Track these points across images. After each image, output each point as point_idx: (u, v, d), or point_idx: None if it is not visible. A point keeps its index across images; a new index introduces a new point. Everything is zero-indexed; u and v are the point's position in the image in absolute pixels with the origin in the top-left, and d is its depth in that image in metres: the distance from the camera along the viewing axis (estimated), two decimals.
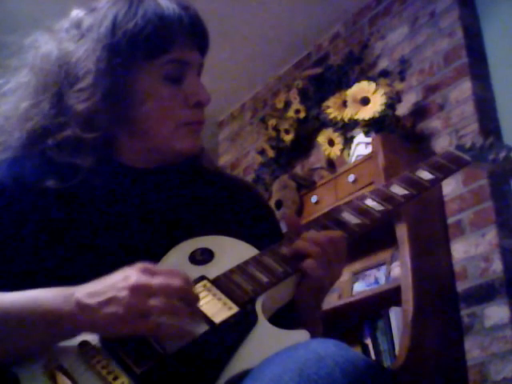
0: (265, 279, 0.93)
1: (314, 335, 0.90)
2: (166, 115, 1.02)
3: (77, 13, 1.06)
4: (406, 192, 1.09)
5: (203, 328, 0.85)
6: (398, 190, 1.09)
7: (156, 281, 0.81)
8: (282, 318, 0.96)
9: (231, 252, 0.98)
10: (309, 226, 1.03)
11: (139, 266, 0.84)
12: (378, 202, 1.07)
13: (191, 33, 1.03)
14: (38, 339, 0.82)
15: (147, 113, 1.01)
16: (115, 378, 0.78)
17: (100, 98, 0.98)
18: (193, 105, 1.03)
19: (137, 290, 0.80)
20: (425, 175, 1.13)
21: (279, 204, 2.76)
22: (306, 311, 1.04)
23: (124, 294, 0.80)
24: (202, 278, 0.93)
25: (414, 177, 1.12)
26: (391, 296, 2.29)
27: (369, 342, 2.44)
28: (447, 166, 1.16)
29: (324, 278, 0.99)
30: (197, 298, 0.84)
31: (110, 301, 0.80)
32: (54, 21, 1.07)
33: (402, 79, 2.63)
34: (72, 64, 1.00)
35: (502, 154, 1.25)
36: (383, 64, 2.88)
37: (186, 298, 0.82)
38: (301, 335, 0.86)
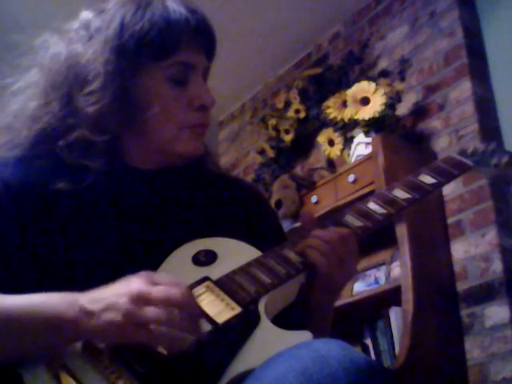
0: (267, 280, 0.93)
1: (323, 334, 0.90)
2: (170, 117, 1.02)
3: (86, 14, 1.06)
4: (408, 196, 1.10)
5: (206, 328, 0.85)
6: (401, 193, 1.10)
7: (156, 290, 0.80)
8: (285, 319, 0.96)
9: (234, 254, 0.99)
10: (312, 229, 1.04)
11: (143, 274, 0.83)
12: (381, 206, 1.07)
13: (197, 36, 1.03)
14: (41, 344, 0.81)
15: (151, 114, 1.01)
16: (118, 378, 0.79)
17: (109, 101, 0.98)
18: (197, 107, 1.04)
19: (136, 297, 0.79)
20: (427, 179, 1.13)
21: (279, 204, 2.76)
22: (318, 310, 1.05)
23: (123, 300, 0.79)
24: (205, 278, 0.93)
25: (417, 181, 1.13)
26: (391, 296, 2.29)
27: (369, 342, 2.44)
28: (449, 171, 1.17)
29: (337, 277, 1.00)
30: (197, 311, 0.83)
31: (109, 307, 0.79)
32: (60, 22, 1.07)
33: (402, 79, 2.63)
34: (81, 66, 1.00)
35: (504, 160, 1.25)
36: (383, 64, 2.88)
37: (186, 310, 0.81)
38: (303, 336, 0.86)
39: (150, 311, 0.78)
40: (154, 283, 0.82)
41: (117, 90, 0.98)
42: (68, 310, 0.81)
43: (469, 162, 1.21)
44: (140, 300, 0.79)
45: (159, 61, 1.00)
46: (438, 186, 1.14)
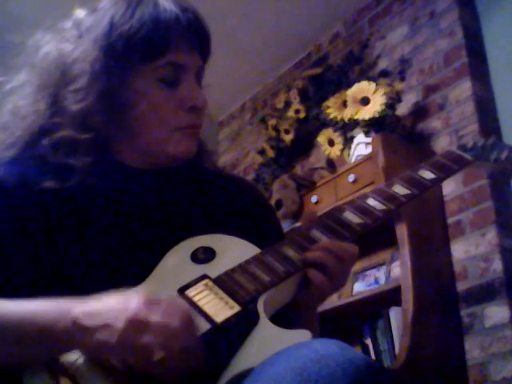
0: (267, 278, 0.93)
1: (314, 333, 0.89)
2: (160, 119, 1.01)
3: (79, 13, 1.06)
4: (407, 191, 1.09)
5: (205, 327, 0.84)
6: (400, 189, 1.09)
7: (155, 318, 0.78)
8: (284, 318, 0.96)
9: (233, 251, 0.98)
10: (311, 226, 1.03)
11: (143, 296, 0.81)
12: (380, 202, 1.07)
13: (189, 35, 1.01)
14: (36, 352, 0.81)
15: (141, 115, 1.00)
16: (117, 377, 0.78)
17: (95, 99, 0.97)
18: (188, 109, 1.02)
19: (133, 323, 0.77)
20: (427, 175, 1.12)
21: (279, 204, 2.76)
22: (305, 312, 1.05)
23: (120, 324, 0.77)
24: (204, 276, 0.92)
25: (416, 176, 1.12)
26: (391, 296, 2.29)
27: (369, 342, 2.44)
28: (449, 166, 1.16)
29: (331, 289, 1.00)
30: (195, 342, 0.80)
31: (104, 327, 0.78)
32: (55, 21, 1.07)
33: (402, 79, 2.63)
34: (68, 64, 1.00)
35: (504, 154, 1.25)
36: (383, 64, 2.88)
37: (183, 341, 0.78)
38: (302, 335, 0.86)
39: (145, 340, 0.76)
40: (154, 304, 0.79)
41: (102, 89, 0.97)
42: (59, 320, 0.80)
43: (468, 156, 1.20)
44: (137, 326, 0.77)
45: (149, 61, 0.99)
46: (438, 181, 1.13)
